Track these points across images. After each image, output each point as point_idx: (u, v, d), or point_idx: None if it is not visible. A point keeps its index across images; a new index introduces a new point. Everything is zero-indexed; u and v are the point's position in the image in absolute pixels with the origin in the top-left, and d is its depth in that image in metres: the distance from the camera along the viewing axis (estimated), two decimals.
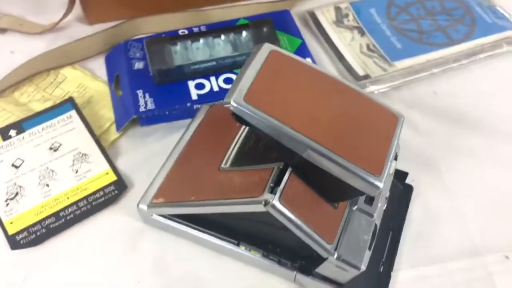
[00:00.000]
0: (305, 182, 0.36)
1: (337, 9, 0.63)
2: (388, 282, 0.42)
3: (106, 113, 0.54)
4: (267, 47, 0.36)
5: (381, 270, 0.42)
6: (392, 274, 0.42)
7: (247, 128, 0.43)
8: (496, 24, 0.61)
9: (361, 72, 0.57)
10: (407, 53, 0.58)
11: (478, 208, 0.47)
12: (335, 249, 0.36)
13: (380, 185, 0.33)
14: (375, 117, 0.36)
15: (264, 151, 0.39)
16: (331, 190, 0.36)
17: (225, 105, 0.33)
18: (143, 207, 0.44)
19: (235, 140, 0.42)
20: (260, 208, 0.34)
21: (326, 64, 0.58)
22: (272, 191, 0.35)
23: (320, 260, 0.38)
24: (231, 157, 0.41)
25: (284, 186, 0.35)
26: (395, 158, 0.42)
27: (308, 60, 0.55)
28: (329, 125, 0.34)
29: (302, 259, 0.41)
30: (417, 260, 0.44)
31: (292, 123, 0.33)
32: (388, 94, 0.56)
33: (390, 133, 0.35)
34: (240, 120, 0.35)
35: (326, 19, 0.62)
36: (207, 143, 0.45)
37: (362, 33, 0.60)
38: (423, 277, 0.43)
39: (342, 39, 0.60)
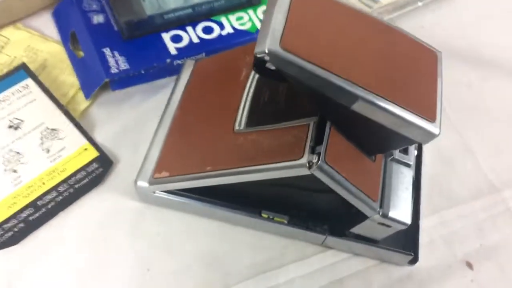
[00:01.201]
0: (345, 137, 0.32)
1: None
2: (418, 232, 0.39)
3: (67, 78, 0.46)
4: None
5: None
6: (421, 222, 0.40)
7: (255, 80, 0.38)
8: None
9: None
10: None
11: (486, 143, 0.46)
12: (380, 207, 0.33)
13: (437, 131, 0.30)
14: (415, 55, 0.32)
15: (287, 105, 0.34)
16: (374, 142, 0.32)
17: (258, 55, 0.28)
18: (143, 184, 0.37)
19: (243, 97, 0.37)
20: (303, 171, 0.30)
21: None
22: (313, 151, 0.30)
23: (359, 219, 0.34)
24: (244, 116, 0.36)
25: (327, 144, 0.30)
26: None
27: None
28: (376, 69, 0.30)
29: (332, 220, 0.37)
30: (437, 205, 0.43)
31: (340, 70, 0.28)
32: None
33: (434, 72, 0.32)
34: (266, 72, 0.30)
35: None
36: (205, 104, 0.40)
37: None
38: (446, 221, 0.42)
39: None
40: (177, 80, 0.43)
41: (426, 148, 0.45)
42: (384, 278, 0.39)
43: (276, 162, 0.31)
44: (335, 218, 0.37)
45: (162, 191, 0.38)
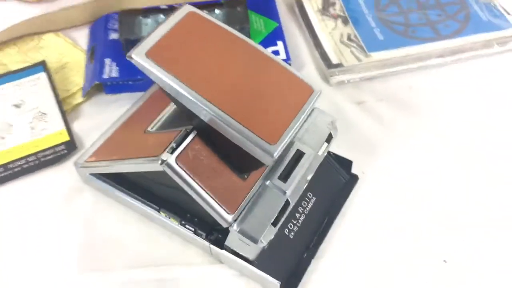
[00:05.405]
0: (212, 149, 0.35)
1: None
2: (306, 269, 0.40)
3: (77, 79, 0.55)
4: (187, 8, 0.36)
5: (305, 256, 0.41)
6: (314, 261, 0.41)
7: None
8: (491, 22, 0.57)
9: (335, 61, 0.55)
10: (387, 45, 0.56)
11: (421, 215, 0.44)
12: (235, 220, 0.35)
13: (274, 153, 0.32)
14: (288, 88, 0.35)
15: (181, 114, 0.39)
16: (236, 158, 0.35)
17: (127, 58, 0.33)
18: (77, 164, 0.44)
19: (171, 105, 0.42)
20: (157, 167, 0.34)
21: (301, 50, 0.57)
22: (173, 151, 0.34)
23: (228, 232, 0.37)
24: (161, 121, 0.41)
25: (184, 148, 0.34)
26: (327, 140, 0.40)
27: (279, 46, 0.54)
28: (233, 90, 0.33)
29: (217, 231, 0.40)
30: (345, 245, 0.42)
31: (192, 83, 0.32)
32: (359, 84, 0.54)
33: (300, 105, 0.34)
34: None
35: (312, 7, 0.61)
36: (150, 110, 0.46)
37: (345, 23, 0.59)
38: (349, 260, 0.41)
39: (324, 27, 0.58)
40: (148, 90, 0.50)
41: (362, 196, 0.45)
42: None
43: (143, 157, 0.36)
44: (218, 230, 0.39)
45: (91, 174, 0.44)
